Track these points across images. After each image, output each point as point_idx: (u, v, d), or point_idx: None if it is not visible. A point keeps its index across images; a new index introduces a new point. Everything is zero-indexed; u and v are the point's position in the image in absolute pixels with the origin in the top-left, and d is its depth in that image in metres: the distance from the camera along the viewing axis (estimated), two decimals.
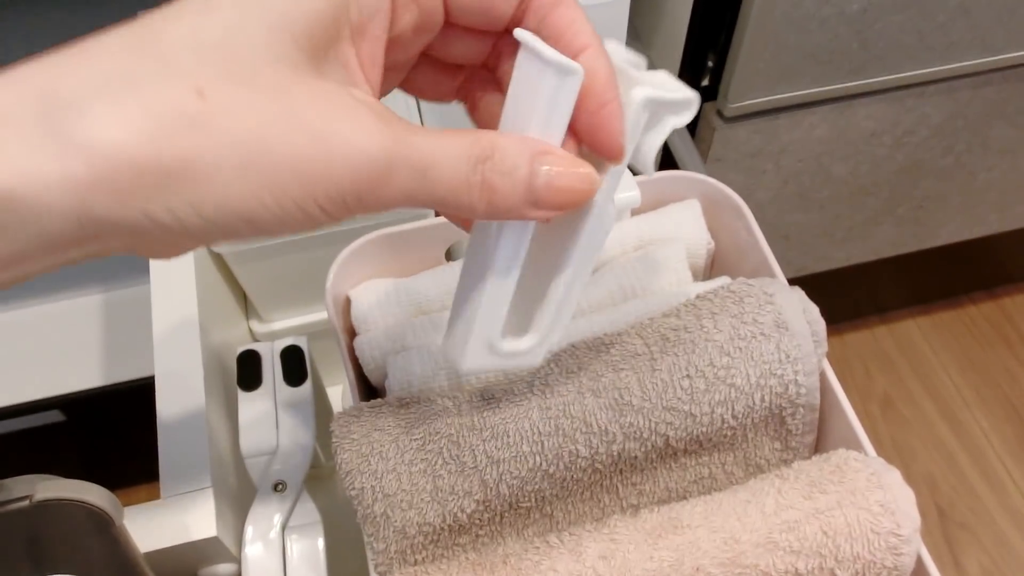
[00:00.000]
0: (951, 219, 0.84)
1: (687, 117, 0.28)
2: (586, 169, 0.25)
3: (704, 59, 0.61)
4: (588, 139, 0.26)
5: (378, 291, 0.40)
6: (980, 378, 1.07)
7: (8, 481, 0.30)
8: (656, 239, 0.42)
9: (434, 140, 0.22)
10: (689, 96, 0.27)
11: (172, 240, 0.21)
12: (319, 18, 0.22)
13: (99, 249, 0.21)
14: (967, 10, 0.59)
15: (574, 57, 0.25)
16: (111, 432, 0.78)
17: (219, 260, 0.52)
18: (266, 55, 0.21)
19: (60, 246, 0.20)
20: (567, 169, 0.24)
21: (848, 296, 1.04)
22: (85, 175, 0.18)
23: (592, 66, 0.25)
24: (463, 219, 0.30)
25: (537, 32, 0.25)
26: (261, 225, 0.20)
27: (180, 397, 0.42)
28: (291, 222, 0.21)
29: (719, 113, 0.63)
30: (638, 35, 0.66)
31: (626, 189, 0.41)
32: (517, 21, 0.26)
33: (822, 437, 0.38)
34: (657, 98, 0.26)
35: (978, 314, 1.12)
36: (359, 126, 0.21)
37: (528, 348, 0.30)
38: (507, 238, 0.26)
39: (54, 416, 0.72)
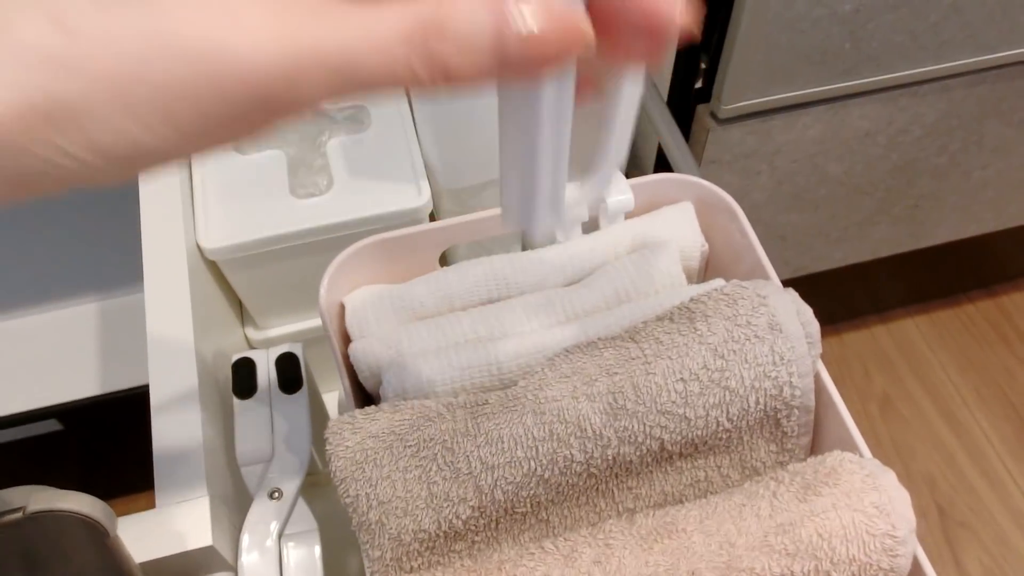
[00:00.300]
0: (947, 218, 0.84)
1: None
2: (570, 12, 0.19)
3: (697, 61, 0.61)
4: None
5: (372, 297, 0.40)
6: (979, 377, 1.07)
7: (1, 493, 0.30)
8: (650, 242, 0.42)
9: (355, 25, 0.18)
10: None
11: (91, 176, 0.19)
12: None
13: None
14: (959, 9, 0.59)
15: None
16: (109, 440, 0.78)
17: (213, 267, 0.52)
18: None
19: None
20: (545, 17, 0.18)
21: (846, 296, 1.04)
22: None
23: None
24: None
25: None
26: (169, 151, 0.19)
27: (175, 406, 0.42)
28: (199, 142, 0.19)
29: (713, 115, 0.63)
30: None
31: (619, 192, 0.41)
32: None
33: (818, 438, 0.38)
34: None
35: (976, 313, 1.12)
36: (245, 29, 0.18)
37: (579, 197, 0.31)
38: (548, 86, 0.22)
39: (51, 425, 0.72)
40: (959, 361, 1.08)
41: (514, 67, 0.19)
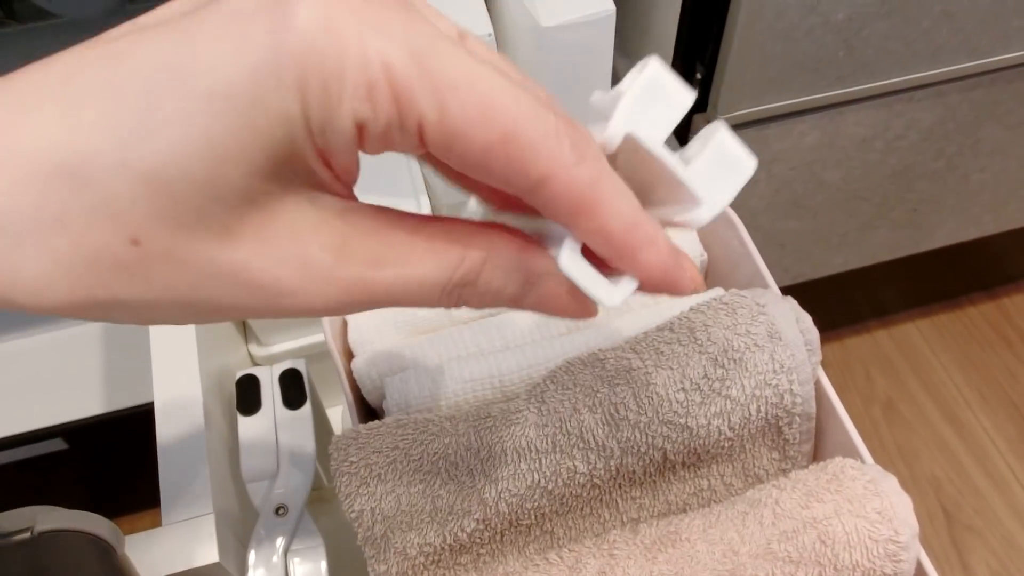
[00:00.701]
0: (946, 221, 0.84)
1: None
2: (583, 297, 0.22)
3: (692, 71, 0.61)
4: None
5: (374, 312, 0.41)
6: (981, 379, 1.07)
7: (9, 513, 0.30)
8: None
9: (404, 271, 0.20)
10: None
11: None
12: (272, 143, 0.18)
13: None
14: (951, 15, 0.59)
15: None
16: (114, 459, 0.79)
17: None
18: (209, 190, 0.18)
19: None
20: (561, 295, 0.22)
21: (847, 300, 1.04)
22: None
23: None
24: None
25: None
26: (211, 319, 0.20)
27: (180, 423, 0.42)
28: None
29: (710, 124, 0.63)
30: (626, 50, 0.66)
31: None
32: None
33: (819, 445, 0.38)
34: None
35: (977, 315, 1.12)
36: (306, 278, 0.19)
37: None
38: None
39: (57, 444, 0.72)
40: (961, 363, 1.08)
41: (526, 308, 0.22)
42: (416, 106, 0.18)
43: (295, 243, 0.19)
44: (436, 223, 0.21)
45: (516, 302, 0.21)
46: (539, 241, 0.22)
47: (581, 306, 0.22)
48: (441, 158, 0.19)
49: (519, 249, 0.21)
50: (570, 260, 0.21)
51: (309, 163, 0.19)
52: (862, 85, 0.63)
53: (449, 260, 0.20)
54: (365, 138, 0.18)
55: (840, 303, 1.03)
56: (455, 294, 0.20)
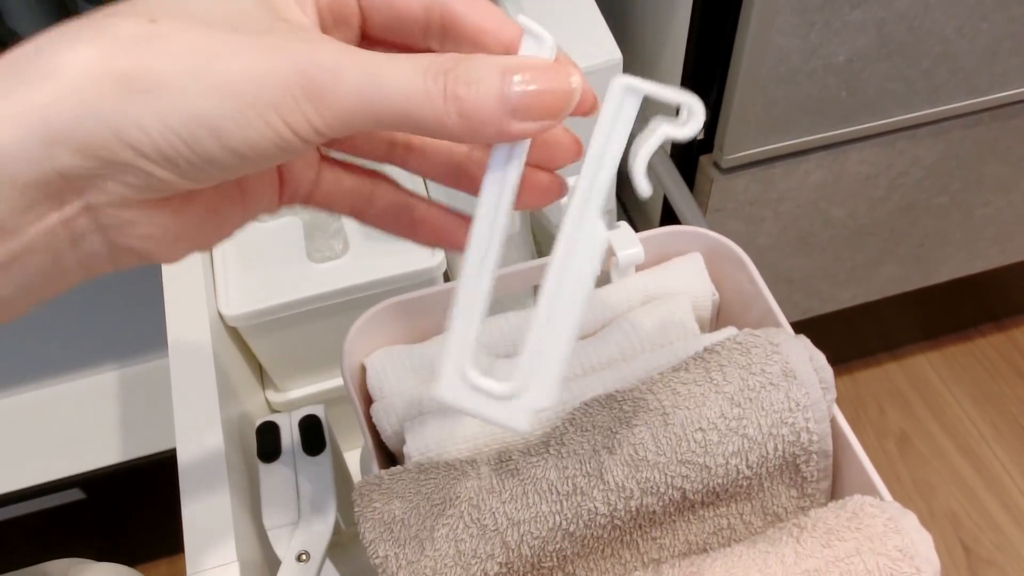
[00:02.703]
0: (952, 255, 0.85)
1: (689, 129, 0.25)
2: (566, 70, 0.23)
3: None
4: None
5: (393, 358, 0.41)
6: (995, 411, 1.06)
7: (42, 567, 0.30)
8: (661, 293, 0.43)
9: (388, 57, 0.22)
10: (685, 99, 0.24)
11: (151, 182, 0.21)
12: None
13: (79, 211, 0.21)
14: (949, 56, 0.60)
15: (473, 36, 0.25)
16: (131, 508, 0.79)
17: (235, 334, 0.53)
18: (217, 5, 0.22)
19: (34, 200, 0.20)
20: (543, 73, 0.23)
21: (857, 335, 1.04)
22: (43, 97, 0.19)
23: (492, 38, 0.25)
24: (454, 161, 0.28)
25: (457, 31, 0.25)
26: (229, 138, 0.21)
27: (202, 472, 0.42)
28: (257, 135, 0.21)
29: (716, 165, 0.64)
30: None
31: (629, 245, 0.43)
32: (430, 26, 0.25)
33: (837, 482, 0.38)
34: (639, 88, 0.24)
35: (988, 346, 1.12)
36: (305, 39, 0.22)
37: (501, 393, 0.26)
38: (475, 230, 0.25)
39: (74, 495, 0.72)
40: (974, 395, 1.08)
41: (516, 111, 0.22)
42: None
43: (292, 29, 0.22)
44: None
45: (505, 96, 0.22)
46: None
47: (565, 79, 0.23)
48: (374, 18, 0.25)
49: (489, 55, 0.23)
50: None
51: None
52: (864, 124, 0.64)
53: (423, 55, 0.22)
54: None
55: (850, 337, 1.03)
56: (439, 81, 0.22)
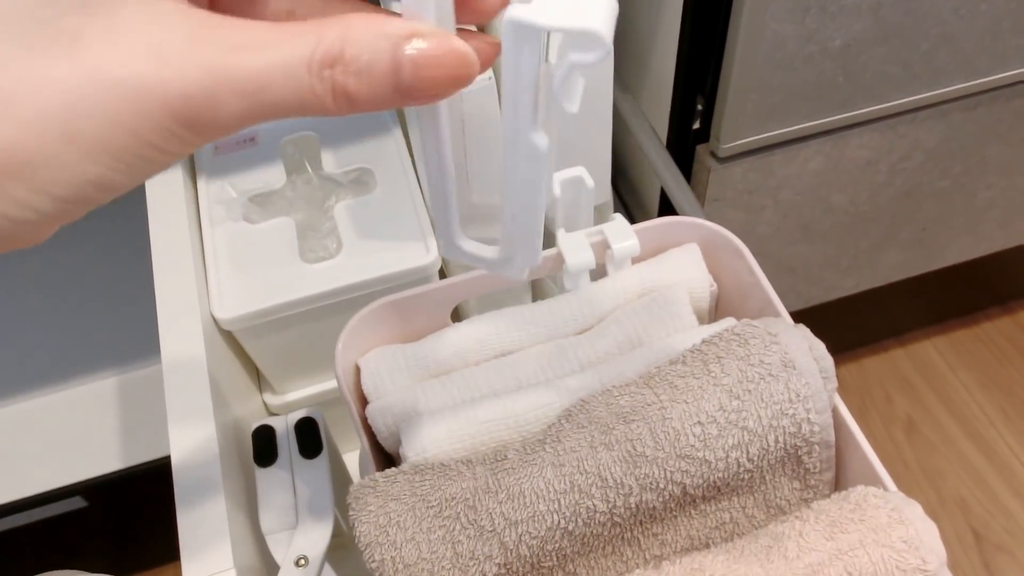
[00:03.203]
0: (956, 239, 0.84)
1: (593, 55, 0.22)
2: (460, 45, 0.21)
3: (693, 103, 0.62)
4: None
5: (387, 358, 0.41)
6: (1003, 395, 1.05)
7: None
8: (658, 285, 0.42)
9: (263, 55, 0.20)
10: (588, 26, 0.21)
11: (36, 229, 0.20)
12: None
13: None
14: (949, 38, 0.60)
15: None
16: (133, 514, 0.78)
17: (229, 337, 0.52)
18: None
19: None
20: (437, 50, 0.21)
21: (862, 322, 1.03)
22: None
23: None
24: None
25: None
26: (114, 184, 0.20)
27: (197, 479, 0.42)
28: (140, 167, 0.20)
29: (713, 154, 0.64)
30: (625, 85, 0.67)
31: (624, 238, 0.42)
32: None
33: (841, 472, 0.37)
34: (532, 23, 0.21)
35: (994, 330, 1.11)
36: (163, 60, 0.19)
37: (492, 257, 0.30)
38: (424, 124, 0.24)
39: (76, 503, 0.72)
40: (981, 380, 1.07)
41: (410, 94, 0.21)
42: None
43: (144, 35, 0.20)
44: (290, 24, 0.21)
45: (397, 83, 0.20)
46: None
47: (461, 57, 0.21)
48: None
49: (377, 21, 0.21)
50: None
51: None
52: (864, 109, 0.63)
53: (306, 40, 0.20)
54: None
55: (855, 324, 1.02)
56: (326, 77, 0.20)
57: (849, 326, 1.01)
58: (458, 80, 0.21)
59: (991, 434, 1.03)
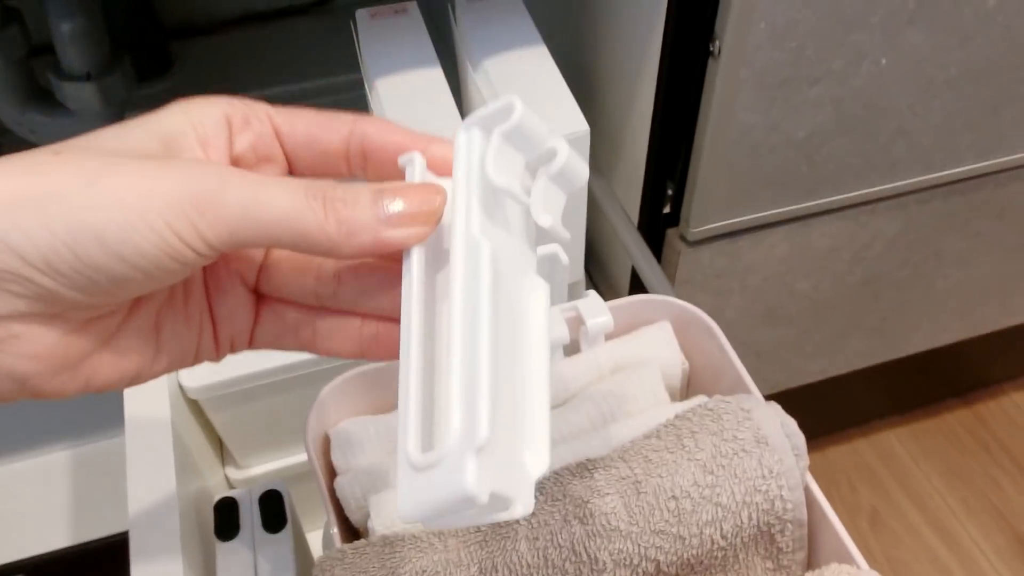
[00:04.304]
0: (917, 328, 0.86)
1: (555, 166, 0.25)
2: (429, 185, 0.25)
3: (664, 187, 0.64)
4: None
5: (358, 429, 0.40)
6: (965, 487, 1.06)
7: None
8: (631, 362, 0.43)
9: (270, 176, 0.24)
10: (552, 144, 0.24)
11: (38, 292, 0.22)
12: (171, 131, 0.25)
13: None
14: (905, 132, 0.62)
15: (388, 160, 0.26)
16: None
17: (194, 406, 0.51)
18: (122, 142, 0.24)
19: None
20: (411, 193, 0.24)
21: (825, 410, 1.04)
22: None
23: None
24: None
25: (376, 154, 0.26)
26: (114, 244, 0.21)
27: (156, 553, 0.40)
28: (143, 241, 0.22)
29: (683, 237, 0.65)
30: (599, 168, 0.69)
31: (598, 314, 0.42)
32: (351, 155, 0.27)
33: (813, 552, 0.37)
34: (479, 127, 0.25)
35: (954, 421, 1.12)
36: (193, 162, 0.24)
37: (428, 461, 0.21)
38: (403, 314, 0.24)
39: None
40: (943, 472, 1.08)
41: (390, 221, 0.24)
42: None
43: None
44: None
45: (378, 206, 0.24)
46: None
47: (432, 186, 0.25)
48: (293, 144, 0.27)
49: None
50: None
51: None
52: (826, 198, 0.65)
53: (303, 180, 0.24)
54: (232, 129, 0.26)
55: (819, 412, 1.03)
56: (319, 195, 0.23)
57: (813, 413, 1.02)
58: (433, 204, 0.24)
59: (954, 525, 1.03)
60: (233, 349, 0.28)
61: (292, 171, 0.27)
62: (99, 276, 0.22)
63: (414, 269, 0.24)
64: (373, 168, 0.27)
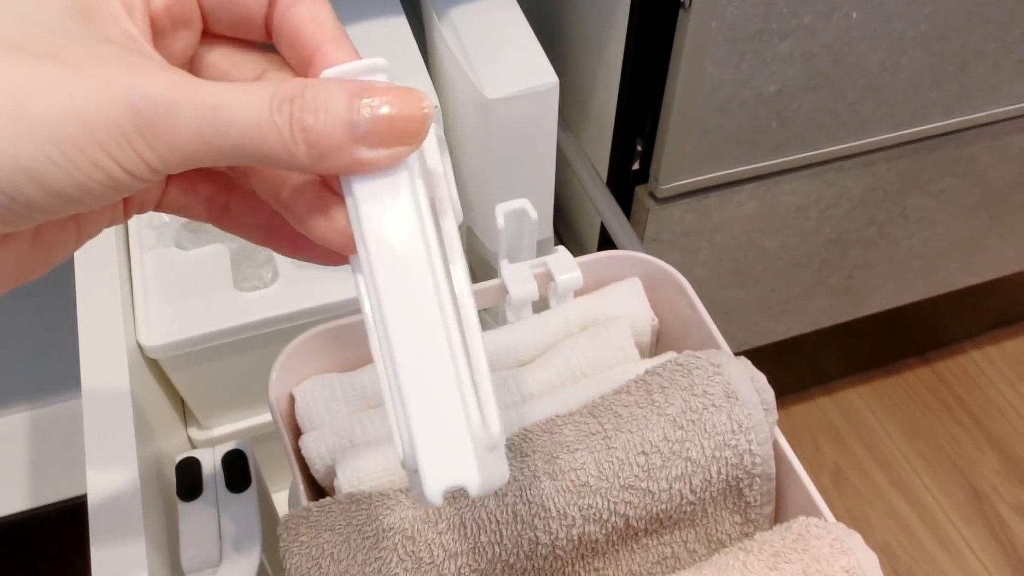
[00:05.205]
0: (881, 287, 0.87)
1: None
2: (416, 93, 0.22)
3: (633, 144, 0.63)
4: None
5: (323, 387, 0.39)
6: (925, 444, 1.08)
7: None
8: (600, 318, 0.42)
9: (229, 86, 0.21)
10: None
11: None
12: None
13: None
14: (874, 89, 0.62)
15: (311, 56, 0.24)
16: (41, 557, 0.74)
17: (154, 366, 0.50)
18: (33, 26, 0.20)
19: None
20: (394, 96, 0.22)
21: (790, 369, 1.05)
22: None
23: (329, 61, 0.23)
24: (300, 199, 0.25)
25: (279, 31, 0.24)
26: (54, 183, 0.19)
27: (116, 515, 0.40)
28: (85, 178, 0.20)
29: (652, 195, 0.65)
30: (568, 125, 0.68)
31: (567, 270, 0.42)
32: (268, 23, 0.24)
33: (780, 506, 0.37)
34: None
35: (915, 379, 1.14)
36: (136, 67, 0.20)
37: (493, 443, 0.23)
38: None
39: None
40: (904, 429, 1.10)
41: (365, 139, 0.21)
42: None
43: (121, 52, 0.21)
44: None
45: (352, 124, 0.21)
46: None
47: (416, 95, 0.22)
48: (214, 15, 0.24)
49: (340, 79, 0.22)
50: None
51: (121, 20, 0.22)
52: (795, 155, 0.65)
53: (269, 84, 0.21)
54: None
55: (784, 371, 1.04)
56: (285, 109, 0.21)
57: (778, 372, 1.03)
58: (416, 121, 0.22)
59: (914, 482, 1.05)
60: (139, 212, 0.26)
61: (207, 30, 0.25)
62: (35, 212, 0.20)
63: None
64: (289, 54, 0.24)
